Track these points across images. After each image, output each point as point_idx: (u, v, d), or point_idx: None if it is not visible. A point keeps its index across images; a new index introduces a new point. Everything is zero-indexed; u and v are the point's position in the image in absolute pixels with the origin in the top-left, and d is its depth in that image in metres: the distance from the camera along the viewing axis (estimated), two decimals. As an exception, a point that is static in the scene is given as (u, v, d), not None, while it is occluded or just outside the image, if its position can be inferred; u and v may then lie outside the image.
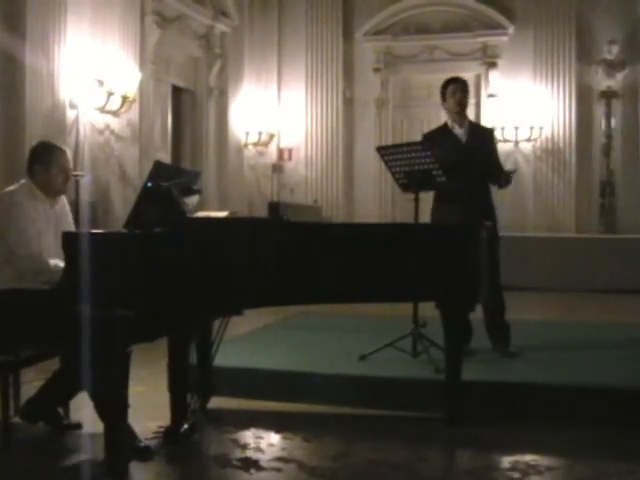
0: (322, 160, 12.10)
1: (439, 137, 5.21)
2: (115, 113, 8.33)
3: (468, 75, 11.20)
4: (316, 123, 12.13)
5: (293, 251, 3.69)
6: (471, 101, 9.93)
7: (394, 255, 3.84)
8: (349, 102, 12.27)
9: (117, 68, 8.14)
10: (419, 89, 12.09)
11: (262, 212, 10.55)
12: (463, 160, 5.03)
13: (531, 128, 11.37)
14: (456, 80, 5.29)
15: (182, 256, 3.31)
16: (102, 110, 8.14)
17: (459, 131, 5.23)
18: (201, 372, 4.18)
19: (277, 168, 12.03)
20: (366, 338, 5.50)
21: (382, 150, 5.11)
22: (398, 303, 4.25)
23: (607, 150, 11.36)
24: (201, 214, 4.03)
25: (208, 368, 4.25)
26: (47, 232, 3.70)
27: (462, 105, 5.21)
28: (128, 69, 8.37)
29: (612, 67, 11.30)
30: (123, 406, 3.18)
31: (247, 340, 5.75)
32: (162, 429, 3.70)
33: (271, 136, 12.17)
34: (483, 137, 5.30)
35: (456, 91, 5.20)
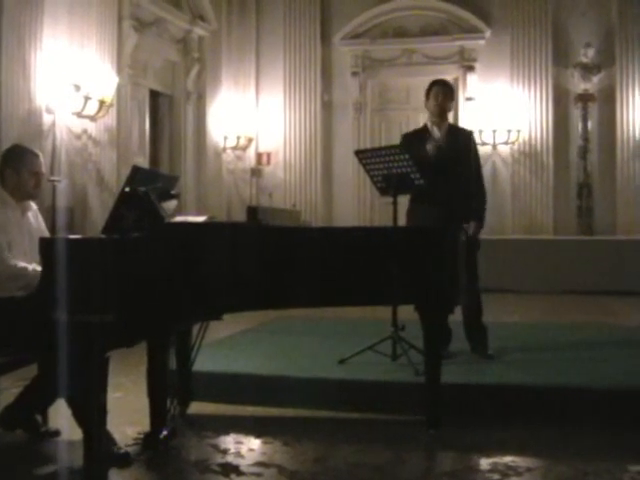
0: (300, 164, 12.10)
1: (418, 138, 5.24)
2: (92, 118, 8.28)
3: (446, 78, 11.29)
4: (294, 127, 12.13)
5: (272, 255, 3.68)
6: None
7: (373, 258, 3.85)
8: (327, 106, 12.28)
9: (94, 73, 8.09)
10: (397, 92, 12.12)
11: (241, 216, 10.46)
12: (440, 162, 5.07)
13: (509, 131, 11.43)
14: (440, 83, 5.34)
15: (160, 261, 3.30)
16: (79, 115, 8.10)
17: (437, 133, 5.26)
18: (180, 377, 4.18)
19: (255, 172, 12.03)
20: (345, 342, 5.52)
21: (360, 154, 5.10)
22: (377, 306, 4.24)
23: (584, 152, 11.45)
24: (179, 219, 4.01)
25: (187, 373, 4.24)
26: (21, 239, 3.66)
27: (442, 108, 5.25)
28: (105, 73, 8.32)
29: (588, 70, 11.38)
30: (101, 412, 3.17)
31: (226, 345, 5.74)
32: (141, 435, 3.68)
33: (249, 140, 12.16)
34: (461, 139, 5.30)
35: (438, 94, 5.24)
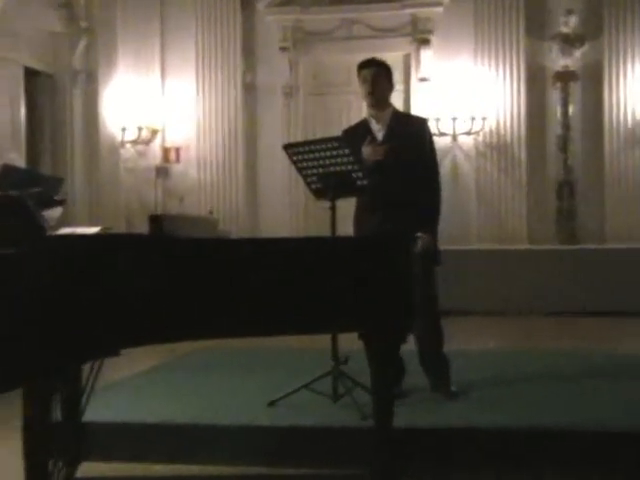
0: (218, 161, 12.07)
1: (358, 135, 5.26)
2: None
3: (395, 55, 11.36)
4: (210, 115, 12.10)
5: (182, 275, 3.67)
6: (398, 87, 10.18)
7: (305, 276, 3.85)
8: (250, 89, 12.27)
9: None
10: (336, 73, 12.09)
11: (143, 227, 10.42)
12: (380, 161, 5.10)
13: (472, 119, 11.53)
14: (366, 64, 5.32)
15: (39, 283, 3.25)
16: None
17: (376, 126, 5.31)
18: (67, 431, 4.10)
19: (162, 171, 11.95)
20: (275, 379, 5.53)
21: (291, 148, 5.13)
22: (314, 335, 4.19)
23: (564, 143, 11.55)
24: (65, 230, 3.97)
25: (76, 425, 4.18)
26: None
27: (374, 96, 5.26)
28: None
29: (569, 43, 11.44)
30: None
31: (127, 387, 5.69)
32: (18, 505, 3.62)
33: (154, 132, 12.10)
34: (411, 130, 5.31)
35: (366, 79, 5.26)
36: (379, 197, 5.09)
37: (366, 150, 5.12)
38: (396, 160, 5.15)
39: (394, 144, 5.20)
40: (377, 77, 5.24)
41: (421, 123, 5.48)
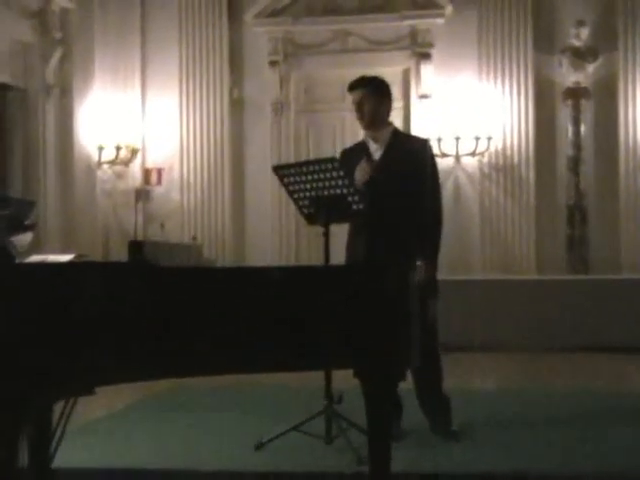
0: (203, 183, 12.08)
1: (355, 155, 5.33)
2: None
3: (393, 70, 11.39)
4: (194, 134, 12.12)
5: (162, 306, 3.65)
6: (397, 104, 10.18)
7: (295, 308, 3.83)
8: (238, 106, 12.30)
9: None
10: (329, 88, 12.11)
11: (122, 254, 10.40)
12: (376, 184, 5.15)
13: (476, 139, 11.54)
14: (353, 86, 5.42)
15: (6, 314, 3.24)
16: None
17: (374, 146, 5.37)
18: (35, 478, 4.07)
19: (142, 194, 11.92)
20: (263, 420, 5.55)
21: (281, 170, 5.17)
22: (304, 372, 4.17)
23: (575, 165, 11.57)
24: (36, 258, 3.96)
25: (45, 471, 4.14)
26: None
27: (363, 121, 5.34)
28: None
29: (581, 57, 11.47)
30: None
31: (102, 429, 5.68)
32: None
33: (133, 152, 12.10)
34: (411, 151, 5.34)
35: (354, 102, 5.36)
36: (372, 221, 5.11)
37: (357, 170, 5.17)
38: (391, 181, 5.20)
39: (387, 163, 5.25)
40: (365, 99, 5.31)
41: (422, 143, 5.51)
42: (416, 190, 5.22)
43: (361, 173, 5.16)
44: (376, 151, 5.35)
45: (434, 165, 5.42)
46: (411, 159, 5.28)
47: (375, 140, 5.37)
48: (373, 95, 5.32)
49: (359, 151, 5.39)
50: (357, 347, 3.90)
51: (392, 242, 5.09)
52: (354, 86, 5.39)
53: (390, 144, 5.35)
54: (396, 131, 5.51)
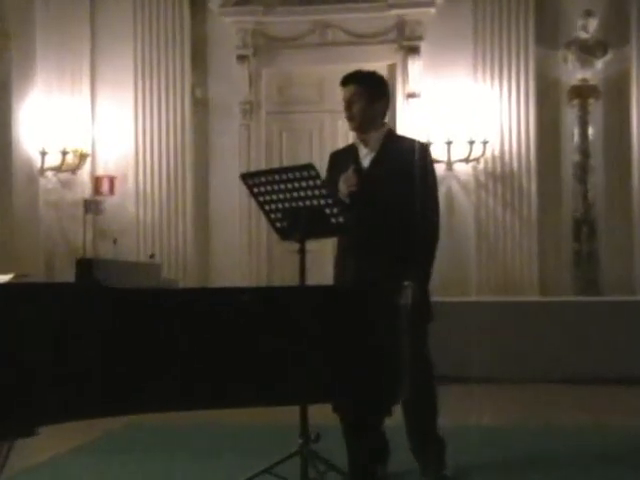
0: (161, 193, 12.08)
1: (343, 161, 5.36)
2: None
3: (378, 66, 11.29)
4: (151, 138, 12.13)
5: (114, 333, 3.65)
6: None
7: (267, 334, 3.85)
8: (201, 107, 12.33)
9: None
10: (306, 87, 12.23)
11: (68, 274, 10.34)
12: (362, 196, 5.15)
13: (470, 143, 11.57)
14: (344, 81, 5.41)
15: None
16: None
17: (364, 151, 5.38)
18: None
19: (92, 206, 11.90)
20: (230, 462, 5.56)
21: (250, 178, 5.15)
22: (276, 407, 4.14)
23: (583, 173, 11.59)
24: (-36, 278, 3.92)
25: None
26: None
27: (352, 121, 5.36)
28: None
29: (589, 51, 11.51)
30: None
31: (45, 474, 5.68)
32: None
33: (82, 157, 12.11)
34: (404, 157, 5.30)
35: (345, 97, 5.36)
36: (359, 236, 5.14)
37: (341, 180, 5.18)
38: (381, 191, 5.21)
39: (376, 171, 5.25)
40: (357, 97, 5.30)
41: (420, 149, 5.45)
42: (409, 202, 5.20)
43: (346, 183, 5.17)
44: (365, 156, 5.36)
45: (433, 174, 5.45)
46: (405, 166, 5.26)
47: (365, 144, 5.37)
48: (366, 93, 5.31)
49: (348, 156, 5.41)
50: (337, 378, 3.93)
51: (381, 261, 5.11)
52: (346, 81, 5.37)
53: (382, 149, 5.35)
54: (390, 133, 5.51)
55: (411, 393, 4.49)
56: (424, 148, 5.54)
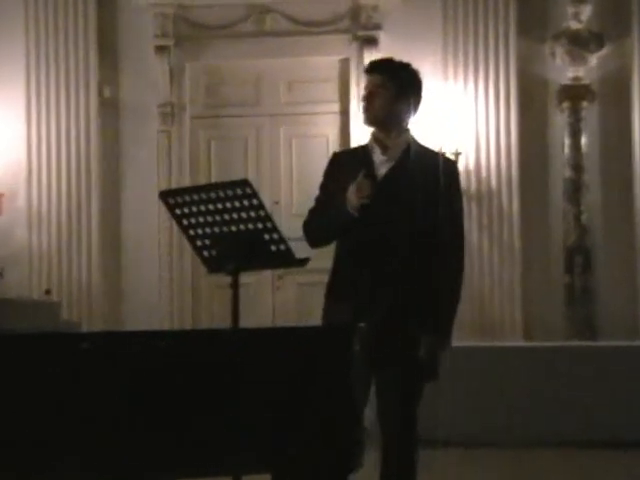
0: (60, 215, 12.00)
1: (351, 164, 5.35)
2: None
3: (327, 60, 11.74)
4: (47, 148, 12.06)
5: (6, 391, 3.73)
6: (331, 107, 10.09)
7: (186, 388, 3.89)
8: (111, 108, 12.31)
9: None
10: (240, 85, 12.31)
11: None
12: (374, 211, 5.12)
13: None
14: (371, 67, 5.46)
15: None
16: None
17: (380, 157, 5.34)
18: None
19: (-25, 230, 11.77)
20: None
21: (172, 197, 5.15)
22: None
23: (575, 192, 11.69)
24: None
25: None
26: None
27: (368, 114, 5.36)
28: None
29: (581, 45, 11.63)
30: None
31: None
32: None
33: (-38, 171, 11.95)
34: (429, 175, 5.27)
35: (367, 86, 5.41)
36: (365, 265, 5.19)
37: (352, 188, 5.16)
38: (397, 210, 5.22)
39: (395, 184, 5.25)
40: (379, 88, 5.31)
41: (448, 166, 5.43)
42: (431, 229, 5.22)
43: (358, 193, 5.14)
44: (382, 164, 5.34)
45: (460, 199, 5.50)
46: (430, 185, 5.25)
47: (384, 149, 5.34)
48: (393, 87, 5.32)
49: (358, 159, 5.40)
50: (278, 442, 3.94)
51: (392, 298, 5.14)
52: (372, 69, 5.43)
53: (403, 159, 5.34)
54: (413, 142, 5.44)
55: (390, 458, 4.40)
56: (452, 165, 5.59)
